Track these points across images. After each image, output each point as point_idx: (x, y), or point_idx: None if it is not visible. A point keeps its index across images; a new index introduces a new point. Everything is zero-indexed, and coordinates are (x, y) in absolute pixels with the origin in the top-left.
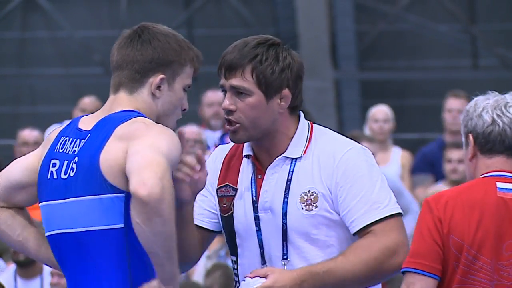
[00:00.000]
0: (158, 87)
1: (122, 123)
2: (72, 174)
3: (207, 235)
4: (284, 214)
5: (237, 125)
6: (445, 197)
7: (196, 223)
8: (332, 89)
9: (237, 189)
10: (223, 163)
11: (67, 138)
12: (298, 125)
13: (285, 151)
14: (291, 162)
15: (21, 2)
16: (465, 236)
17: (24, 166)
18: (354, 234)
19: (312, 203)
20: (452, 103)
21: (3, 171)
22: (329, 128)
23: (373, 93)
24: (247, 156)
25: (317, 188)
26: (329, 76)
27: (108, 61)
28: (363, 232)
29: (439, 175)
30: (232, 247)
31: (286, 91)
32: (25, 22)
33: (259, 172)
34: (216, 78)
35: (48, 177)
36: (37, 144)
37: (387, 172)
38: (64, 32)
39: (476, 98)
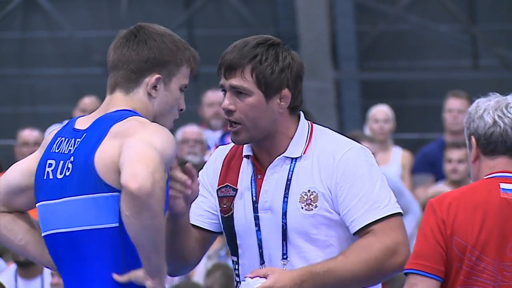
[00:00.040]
0: (154, 87)
1: (117, 122)
2: (67, 173)
3: (208, 236)
4: (284, 214)
5: (239, 126)
6: (449, 199)
7: (197, 224)
8: (332, 90)
9: (237, 189)
10: (223, 164)
11: (63, 139)
12: (298, 125)
13: (285, 151)
14: (291, 162)
15: (21, 2)
16: (468, 237)
17: (23, 170)
18: (354, 233)
19: (312, 203)
20: (453, 103)
21: (3, 175)
22: (329, 128)
23: (373, 93)
24: (247, 156)
25: (317, 187)
26: (329, 76)
27: None
28: (363, 231)
29: (439, 175)
30: (233, 248)
31: (286, 91)
32: (26, 22)
33: (259, 172)
34: (217, 78)
35: (45, 178)
36: (37, 144)
37: (387, 172)
38: (65, 32)
39: (477, 100)
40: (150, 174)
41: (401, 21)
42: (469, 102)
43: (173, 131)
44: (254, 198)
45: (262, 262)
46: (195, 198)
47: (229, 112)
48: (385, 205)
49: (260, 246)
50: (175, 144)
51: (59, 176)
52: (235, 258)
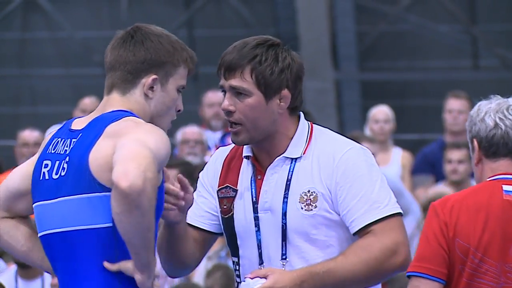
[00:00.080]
0: (151, 88)
1: (112, 122)
2: (63, 174)
3: (208, 237)
4: (284, 214)
5: (239, 127)
6: (451, 201)
7: (197, 225)
8: (332, 90)
9: (237, 190)
10: (223, 165)
11: (59, 139)
12: (298, 126)
13: (284, 151)
14: (291, 162)
15: (21, 3)
16: (470, 239)
17: (22, 174)
18: (354, 234)
19: (311, 203)
20: (453, 103)
21: (3, 181)
22: (329, 129)
23: (373, 93)
24: (247, 157)
25: (316, 188)
26: (329, 76)
27: None
28: (363, 232)
29: (439, 176)
30: (233, 249)
31: (285, 92)
32: (26, 23)
33: (258, 172)
34: (217, 79)
35: (41, 178)
36: (37, 144)
37: (387, 172)
38: (65, 33)
39: (479, 103)
40: (142, 172)
41: (401, 22)
42: (469, 102)
43: (173, 131)
44: (254, 199)
45: (261, 262)
46: (191, 206)
47: (229, 112)
48: (385, 205)
49: (259, 247)
50: (170, 145)
51: (54, 177)
52: (235, 259)
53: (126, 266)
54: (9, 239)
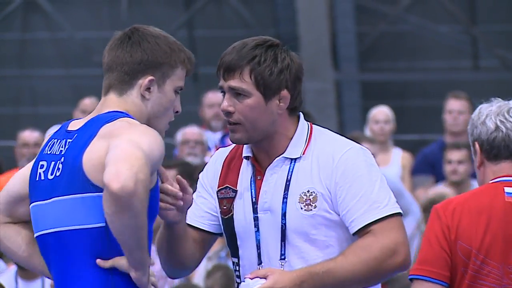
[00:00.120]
0: (148, 89)
1: (107, 123)
2: (58, 174)
3: (208, 237)
4: (284, 215)
5: (237, 124)
6: (453, 204)
7: (197, 226)
8: (332, 91)
9: (236, 190)
10: (223, 165)
11: (56, 140)
12: (297, 126)
13: (284, 152)
14: (291, 163)
15: (21, 3)
16: (472, 242)
17: (21, 178)
18: (354, 234)
19: (311, 203)
20: (453, 104)
21: (5, 186)
22: (329, 129)
23: (373, 94)
24: (247, 157)
25: (316, 188)
26: (329, 77)
27: None
28: (362, 232)
29: (439, 176)
30: (233, 249)
31: (284, 92)
32: (26, 23)
33: (258, 173)
34: (217, 79)
35: (37, 179)
36: (37, 145)
37: (387, 173)
38: (65, 33)
39: (480, 106)
40: (134, 174)
41: (401, 22)
42: (470, 103)
43: (173, 132)
44: (253, 199)
45: (259, 262)
46: (190, 206)
47: (228, 113)
48: (385, 205)
49: (258, 247)
50: (163, 146)
51: (50, 177)
52: (235, 260)
53: (120, 262)
54: (10, 245)
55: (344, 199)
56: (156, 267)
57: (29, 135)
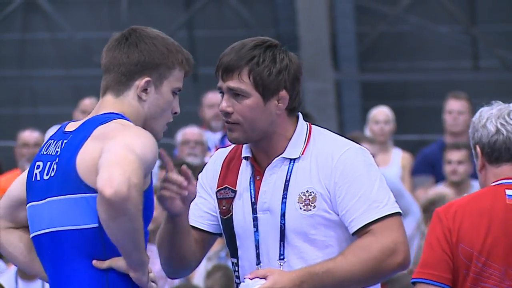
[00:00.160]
0: (145, 90)
1: (101, 125)
2: (52, 174)
3: (208, 237)
4: (283, 215)
5: (235, 124)
6: (455, 207)
7: (196, 226)
8: (332, 91)
9: (236, 191)
10: (222, 166)
11: (52, 141)
12: (296, 126)
13: (283, 152)
14: (290, 163)
15: (21, 4)
16: (474, 244)
17: (21, 182)
18: (353, 233)
19: (310, 203)
20: (453, 104)
21: (7, 190)
22: (328, 129)
23: (373, 94)
24: (246, 158)
25: (315, 188)
26: (329, 77)
27: None
28: (362, 231)
29: (439, 177)
30: (233, 250)
31: (283, 93)
32: (26, 24)
33: (257, 173)
34: (217, 80)
35: (33, 179)
36: (37, 145)
37: (387, 173)
38: (65, 34)
39: (480, 109)
40: (127, 179)
41: (401, 22)
42: (469, 103)
43: (173, 132)
44: (252, 199)
45: (258, 262)
46: (193, 199)
47: (226, 114)
48: (384, 205)
49: (257, 247)
50: (157, 149)
51: (45, 177)
52: (234, 260)
53: (118, 264)
54: (12, 250)
55: (343, 199)
56: (156, 267)
57: (29, 135)
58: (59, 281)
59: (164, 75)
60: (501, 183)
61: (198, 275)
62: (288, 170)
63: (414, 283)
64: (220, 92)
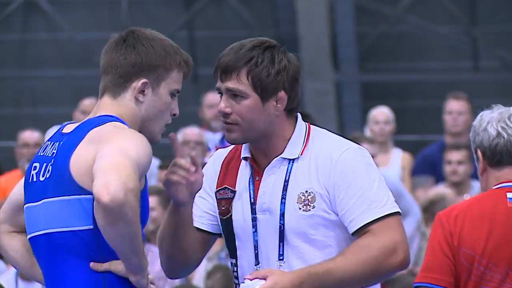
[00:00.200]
0: (142, 92)
1: (95, 127)
2: (48, 176)
3: (208, 237)
4: (282, 215)
5: (234, 124)
6: (456, 211)
7: (197, 226)
8: (332, 91)
9: (235, 191)
10: (221, 166)
11: (49, 142)
12: (295, 127)
13: (282, 152)
14: (289, 163)
15: (21, 4)
16: (475, 247)
17: (21, 185)
18: (353, 233)
19: (309, 203)
20: (453, 104)
21: (9, 195)
22: (328, 130)
23: (373, 95)
24: (245, 158)
25: (314, 188)
26: (329, 78)
27: None
28: (361, 231)
29: (439, 177)
30: (232, 250)
31: (282, 94)
32: (26, 24)
33: (256, 173)
34: None
35: (30, 181)
36: (37, 145)
37: (387, 174)
38: (65, 34)
39: (481, 113)
40: (123, 184)
41: (402, 23)
42: (470, 103)
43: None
44: (252, 200)
45: (257, 263)
46: (199, 189)
47: (225, 114)
48: (383, 205)
49: (256, 247)
50: (151, 151)
51: (41, 179)
52: (233, 260)
53: (117, 268)
54: (14, 254)
55: (342, 199)
56: (156, 268)
57: (29, 135)
58: (56, 283)
59: (162, 76)
60: (503, 186)
61: (198, 276)
62: (287, 170)
63: (417, 287)
64: (219, 93)
